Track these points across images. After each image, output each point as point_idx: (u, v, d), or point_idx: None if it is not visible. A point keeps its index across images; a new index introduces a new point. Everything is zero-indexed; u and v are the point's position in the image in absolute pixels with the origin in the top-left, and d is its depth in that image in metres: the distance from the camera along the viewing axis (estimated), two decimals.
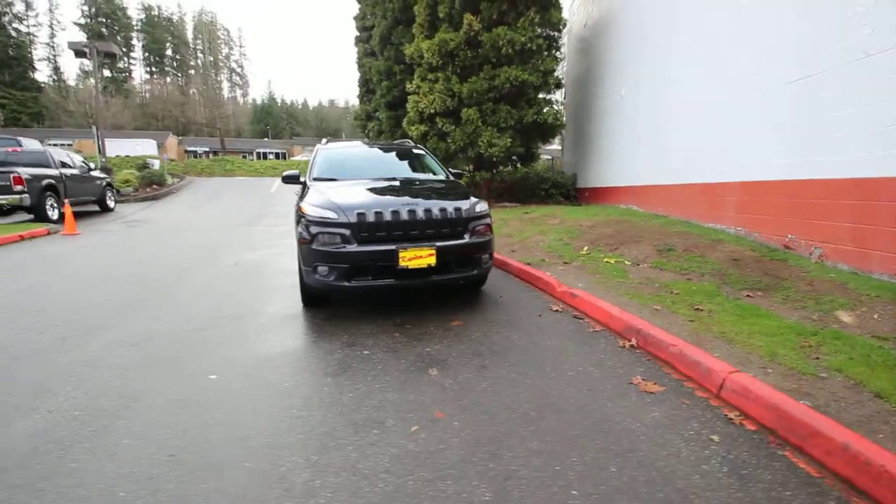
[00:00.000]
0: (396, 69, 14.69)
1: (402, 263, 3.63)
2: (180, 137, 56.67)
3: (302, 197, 4.48)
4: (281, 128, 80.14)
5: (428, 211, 3.77)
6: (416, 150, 5.59)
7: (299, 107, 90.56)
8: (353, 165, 5.09)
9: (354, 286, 3.68)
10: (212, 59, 77.21)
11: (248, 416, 2.39)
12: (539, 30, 11.02)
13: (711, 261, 5.08)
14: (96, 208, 13.61)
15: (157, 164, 21.94)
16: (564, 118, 12.00)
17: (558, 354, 3.16)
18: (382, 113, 15.47)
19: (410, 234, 3.73)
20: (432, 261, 3.70)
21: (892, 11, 4.05)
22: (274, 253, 7.50)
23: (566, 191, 12.74)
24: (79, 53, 18.15)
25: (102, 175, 13.81)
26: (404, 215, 3.71)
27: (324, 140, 5.89)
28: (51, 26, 60.86)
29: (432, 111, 11.52)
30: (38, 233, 9.15)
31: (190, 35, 76.82)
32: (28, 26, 57.40)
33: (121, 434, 2.22)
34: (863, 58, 4.29)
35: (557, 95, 11.92)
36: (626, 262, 5.60)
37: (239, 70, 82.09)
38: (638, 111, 9.24)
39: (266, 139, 70.08)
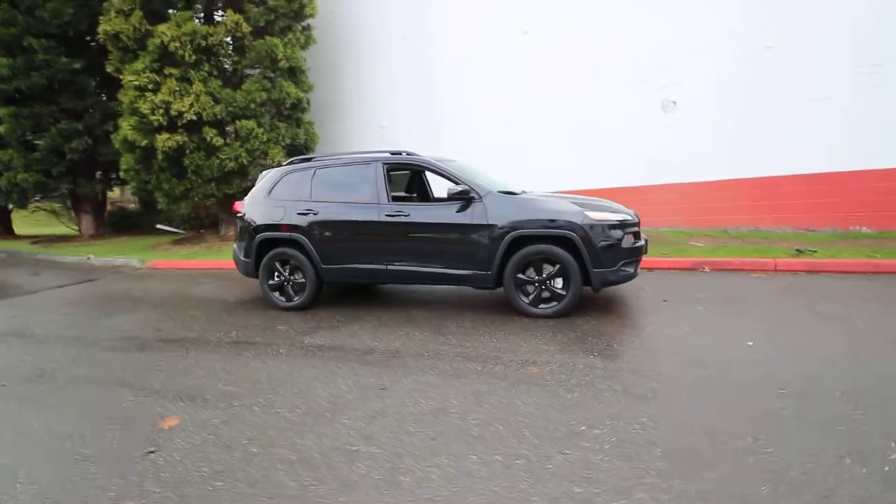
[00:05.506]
0: (35, 43, 9.31)
1: None
2: None
3: (480, 213, 4.28)
4: None
5: None
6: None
7: None
8: (486, 176, 4.99)
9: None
10: None
11: None
12: (302, 51, 10.88)
13: None
14: None
15: None
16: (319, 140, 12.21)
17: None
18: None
19: None
20: None
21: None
22: None
23: None
24: None
25: None
26: None
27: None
28: None
29: (193, 117, 9.06)
30: None
31: None
32: None
33: None
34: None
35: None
36: None
37: None
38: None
39: None
